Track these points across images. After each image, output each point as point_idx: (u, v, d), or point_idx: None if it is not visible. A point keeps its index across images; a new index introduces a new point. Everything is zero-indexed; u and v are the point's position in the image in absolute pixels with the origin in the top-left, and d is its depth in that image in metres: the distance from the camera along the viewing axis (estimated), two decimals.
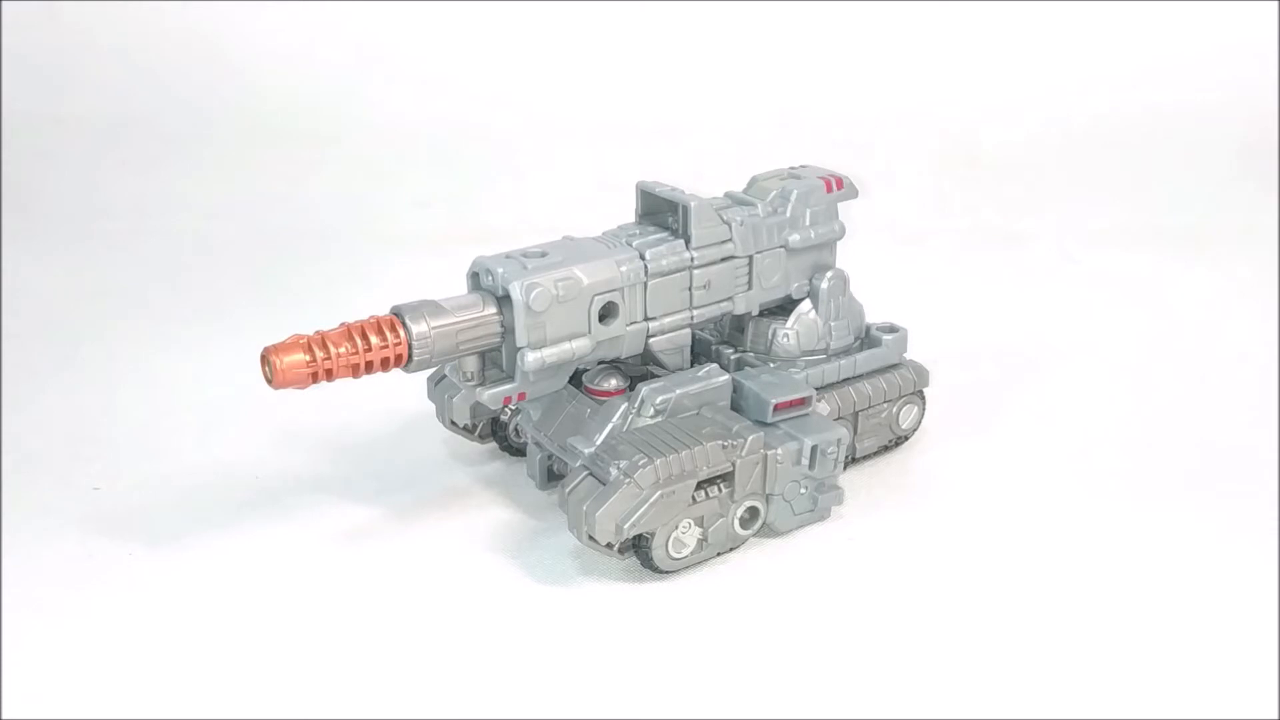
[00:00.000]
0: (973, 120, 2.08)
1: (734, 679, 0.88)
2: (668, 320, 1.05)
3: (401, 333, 0.94)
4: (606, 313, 1.01)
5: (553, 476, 1.12)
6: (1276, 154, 1.97)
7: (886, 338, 1.15)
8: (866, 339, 1.16)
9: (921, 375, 1.17)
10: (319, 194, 2.03)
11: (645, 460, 0.94)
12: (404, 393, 1.20)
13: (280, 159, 2.09)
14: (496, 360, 1.01)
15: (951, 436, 1.22)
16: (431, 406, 1.15)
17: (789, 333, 1.12)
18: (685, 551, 0.99)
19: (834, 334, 1.13)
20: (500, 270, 0.97)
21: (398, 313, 0.95)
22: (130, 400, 1.36)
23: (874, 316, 1.18)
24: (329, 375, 0.93)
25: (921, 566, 1.01)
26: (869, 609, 0.96)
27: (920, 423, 1.20)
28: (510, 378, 1.00)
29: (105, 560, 1.04)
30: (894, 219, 1.82)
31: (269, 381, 0.91)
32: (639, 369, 1.08)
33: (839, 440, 1.02)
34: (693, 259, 1.04)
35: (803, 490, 1.03)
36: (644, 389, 1.01)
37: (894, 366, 1.16)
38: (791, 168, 1.15)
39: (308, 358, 0.91)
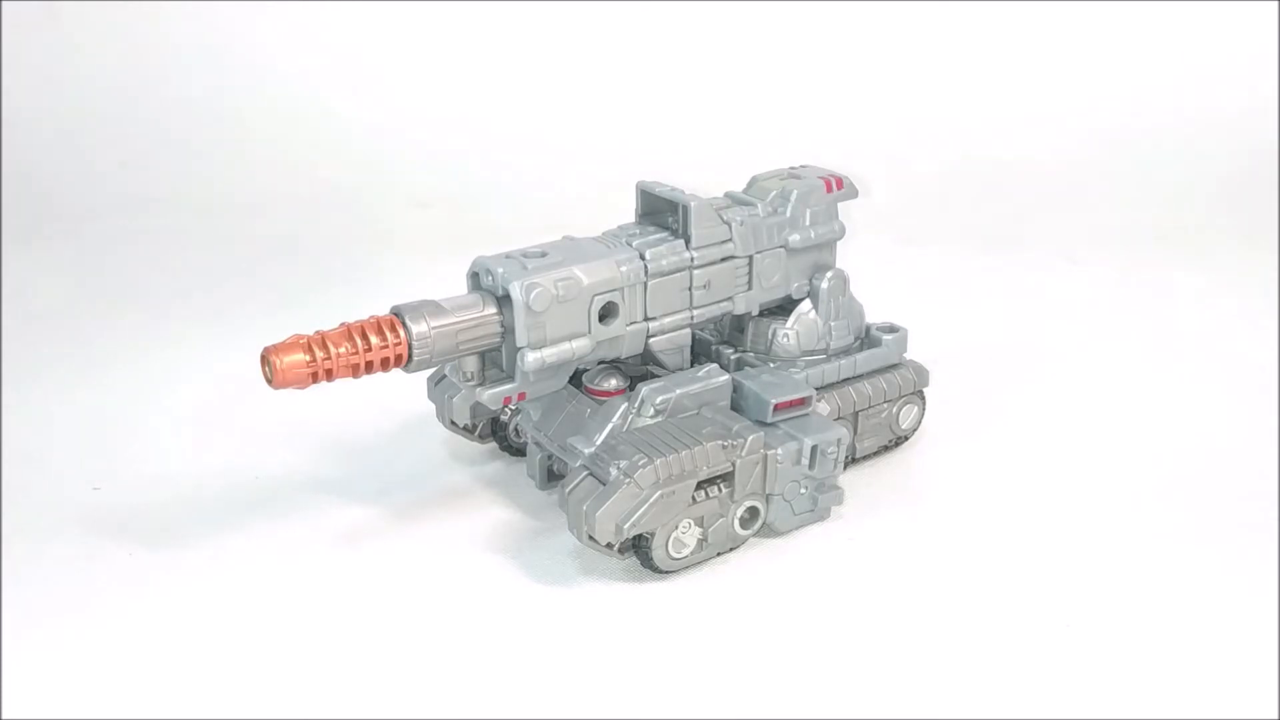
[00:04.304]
0: (973, 121, 2.08)
1: (734, 679, 0.88)
2: (668, 320, 1.05)
3: (401, 333, 0.94)
4: (606, 313, 1.01)
5: (553, 476, 1.12)
6: (1277, 156, 1.97)
7: (886, 338, 1.15)
8: (866, 339, 1.16)
9: (921, 375, 1.17)
10: (319, 194, 2.03)
11: (645, 460, 0.94)
12: (404, 393, 1.20)
13: (280, 159, 2.09)
14: (496, 360, 1.01)
15: (951, 436, 1.22)
16: (431, 406, 1.14)
17: (789, 333, 1.12)
18: (685, 551, 0.99)
19: (834, 334, 1.13)
20: (500, 270, 0.97)
21: (398, 313, 0.95)
22: (130, 400, 1.36)
23: (874, 316, 1.18)
24: (329, 375, 0.93)
25: (921, 567, 1.01)
26: (869, 609, 0.96)
27: (920, 423, 1.20)
28: (510, 378, 1.00)
29: (105, 560, 1.04)
30: (894, 219, 1.82)
31: (269, 381, 0.91)
32: (639, 369, 1.08)
33: (839, 440, 1.02)
34: (693, 259, 1.04)
35: (803, 490, 1.03)
36: (644, 389, 1.01)
37: (894, 366, 1.16)
38: (791, 168, 1.15)
39: (308, 358, 0.91)
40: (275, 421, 1.26)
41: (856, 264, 1.17)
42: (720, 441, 0.97)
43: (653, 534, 0.96)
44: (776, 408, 1.02)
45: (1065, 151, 2.03)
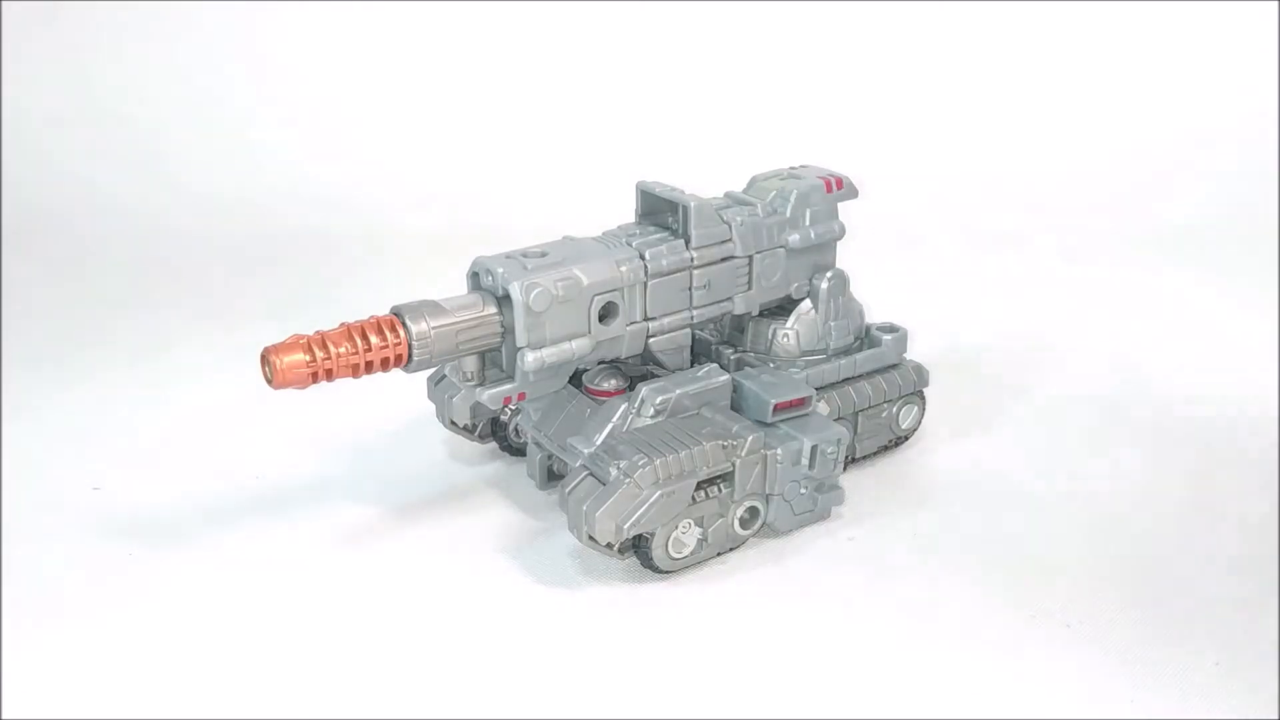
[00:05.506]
0: (973, 120, 2.08)
1: (734, 679, 0.88)
2: (668, 320, 1.05)
3: (401, 333, 0.94)
4: (606, 313, 1.01)
5: (553, 476, 1.12)
6: (1277, 157, 1.97)
7: (886, 338, 1.15)
8: (866, 339, 1.16)
9: (921, 375, 1.17)
10: (319, 194, 2.03)
11: (645, 460, 0.94)
12: (404, 393, 1.20)
13: (280, 159, 2.09)
14: (496, 360, 1.01)
15: (951, 436, 1.22)
16: (431, 406, 1.15)
17: (789, 333, 1.12)
18: (685, 551, 0.99)
19: (834, 334, 1.13)
20: (500, 270, 0.97)
21: (398, 313, 0.95)
22: (130, 400, 1.36)
23: (874, 316, 1.18)
24: (329, 375, 0.93)
25: (921, 566, 1.01)
26: (869, 609, 0.96)
27: (920, 423, 1.20)
28: (510, 378, 1.00)
29: (105, 560, 1.04)
30: (894, 219, 1.82)
31: (269, 381, 0.91)
32: (639, 369, 1.08)
33: (839, 440, 1.02)
34: (693, 259, 1.04)
35: (803, 490, 1.03)
36: (644, 389, 1.01)
37: (894, 366, 1.16)
38: (791, 168, 1.15)
39: (308, 358, 0.91)
40: (275, 422, 1.26)
41: (856, 264, 1.17)
42: (720, 441, 0.97)
43: (653, 534, 0.96)
44: (776, 408, 1.02)
45: (1065, 151, 2.03)
